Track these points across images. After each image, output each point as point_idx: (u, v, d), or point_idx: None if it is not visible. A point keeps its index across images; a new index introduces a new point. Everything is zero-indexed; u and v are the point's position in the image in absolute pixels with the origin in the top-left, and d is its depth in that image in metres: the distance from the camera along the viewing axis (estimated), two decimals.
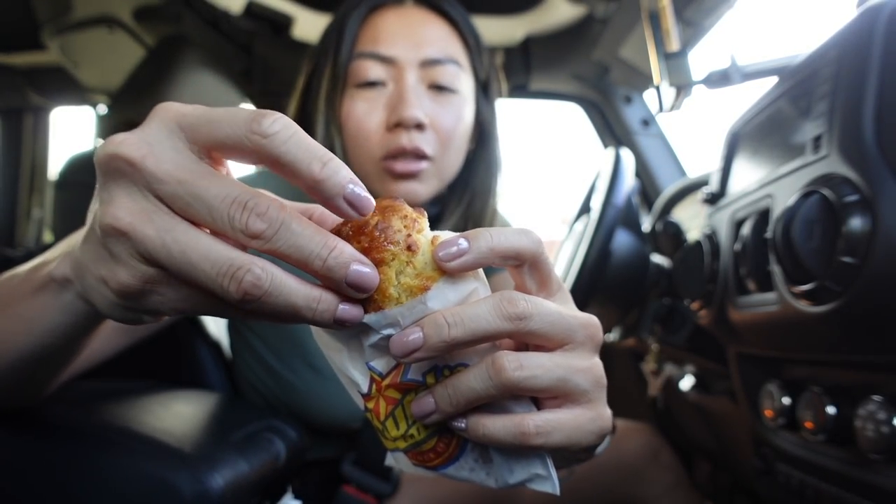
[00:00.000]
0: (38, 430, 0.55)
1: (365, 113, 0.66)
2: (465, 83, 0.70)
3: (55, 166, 1.94)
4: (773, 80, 0.66)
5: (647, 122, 1.51)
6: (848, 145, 0.47)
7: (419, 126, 0.65)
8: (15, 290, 0.39)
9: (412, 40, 0.67)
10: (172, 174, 0.26)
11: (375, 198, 0.28)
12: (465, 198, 0.76)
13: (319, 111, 0.69)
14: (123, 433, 0.54)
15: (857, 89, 0.47)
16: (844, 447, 0.51)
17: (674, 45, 0.79)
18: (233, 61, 1.47)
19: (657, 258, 0.96)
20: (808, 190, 0.48)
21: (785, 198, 0.53)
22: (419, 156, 0.66)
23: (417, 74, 0.67)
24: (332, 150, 0.63)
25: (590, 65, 1.44)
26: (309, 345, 0.74)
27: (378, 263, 0.27)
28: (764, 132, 0.65)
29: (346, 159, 0.67)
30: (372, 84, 0.67)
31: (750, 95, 0.70)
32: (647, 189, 1.48)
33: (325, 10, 1.40)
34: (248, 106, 1.65)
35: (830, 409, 0.50)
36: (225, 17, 1.36)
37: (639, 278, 0.91)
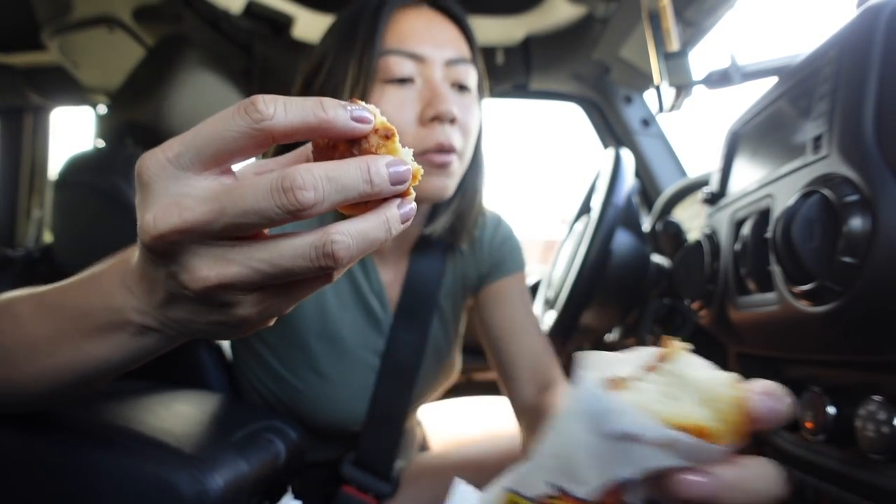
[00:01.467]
0: (38, 429, 0.55)
1: (398, 108, 0.67)
2: (474, 83, 0.74)
3: (55, 166, 1.94)
4: (774, 79, 0.66)
5: (648, 122, 1.51)
6: (848, 145, 0.47)
7: (453, 121, 0.67)
8: (67, 325, 0.39)
9: (436, 40, 0.69)
10: (209, 213, 0.28)
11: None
12: (457, 195, 0.78)
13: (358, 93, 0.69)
14: (123, 433, 0.54)
15: (858, 89, 0.47)
16: (845, 447, 0.51)
17: (674, 45, 0.79)
18: (233, 61, 1.47)
19: (657, 258, 0.96)
20: (809, 190, 0.48)
21: (785, 198, 0.53)
22: (452, 150, 0.68)
23: (443, 73, 0.69)
24: None
25: (590, 65, 1.44)
26: (314, 350, 0.74)
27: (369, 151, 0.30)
28: (764, 132, 0.65)
29: None
30: (402, 80, 0.68)
31: (750, 95, 0.70)
32: (648, 189, 1.48)
33: (325, 10, 1.40)
34: None
35: (831, 409, 0.50)
36: (225, 17, 1.36)
37: (639, 278, 0.91)
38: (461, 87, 0.71)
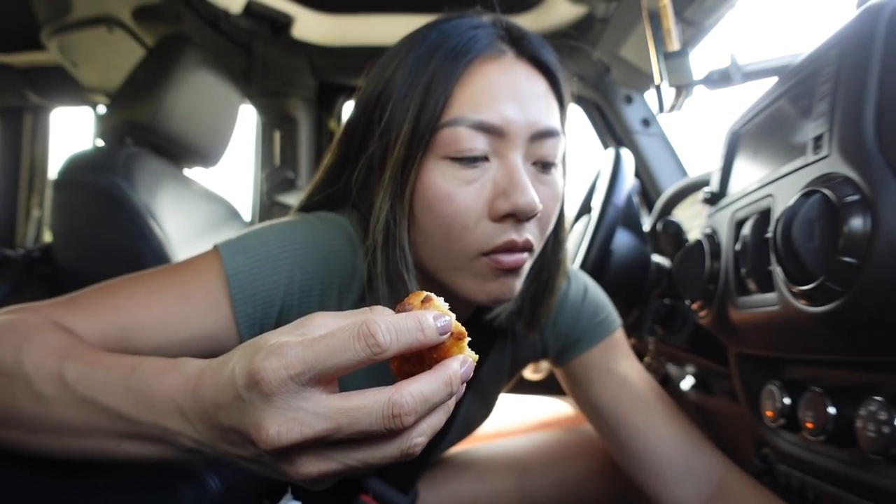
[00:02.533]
0: None
1: (462, 196, 0.53)
2: (562, 153, 0.59)
3: (55, 166, 1.93)
4: (774, 79, 0.66)
5: (648, 121, 1.51)
6: (848, 145, 0.47)
7: (532, 216, 0.54)
8: (104, 423, 0.40)
9: (521, 106, 0.54)
10: (327, 430, 0.31)
11: (401, 304, 0.35)
12: (529, 277, 0.63)
13: (386, 180, 0.55)
14: None
15: (858, 89, 0.47)
16: (845, 448, 0.51)
17: (674, 44, 0.79)
18: (232, 61, 1.47)
19: (657, 258, 0.96)
20: (809, 190, 0.48)
21: (786, 198, 0.52)
22: (526, 249, 0.55)
23: (525, 150, 0.54)
24: (396, 230, 0.54)
25: (590, 64, 1.44)
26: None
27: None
28: (764, 132, 0.65)
29: (429, 246, 0.56)
30: (472, 160, 0.53)
31: (750, 95, 0.70)
32: (648, 189, 1.48)
33: (324, 10, 1.40)
34: (247, 105, 1.65)
35: (831, 410, 0.50)
36: (224, 17, 1.36)
37: (639, 278, 0.91)
38: (545, 165, 0.56)
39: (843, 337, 0.48)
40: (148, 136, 1.00)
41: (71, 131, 2.04)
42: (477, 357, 0.35)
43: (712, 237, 0.70)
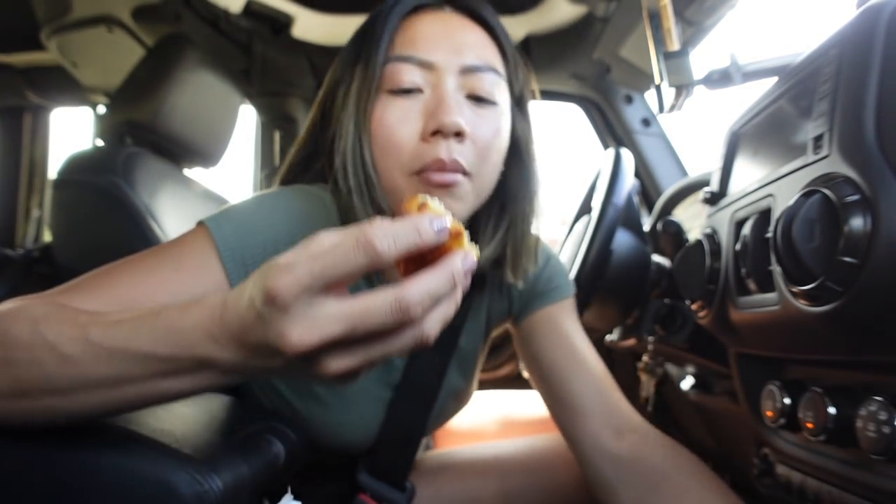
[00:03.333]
0: (37, 429, 0.55)
1: (399, 121, 0.61)
2: (502, 95, 0.66)
3: (55, 166, 1.93)
4: (774, 79, 0.66)
5: (649, 121, 1.51)
6: (849, 145, 0.47)
7: (459, 135, 0.60)
8: (138, 369, 0.42)
9: (452, 45, 0.62)
10: (344, 331, 0.35)
11: (401, 210, 0.38)
12: (503, 223, 0.69)
13: (348, 117, 0.63)
14: (123, 433, 0.54)
15: (859, 89, 0.47)
16: (846, 448, 0.51)
17: (674, 44, 0.79)
18: (232, 61, 1.47)
19: (657, 258, 0.96)
20: (809, 190, 0.48)
21: (786, 197, 0.52)
22: (457, 169, 0.60)
23: (457, 82, 0.62)
24: (361, 160, 0.62)
25: (590, 64, 1.44)
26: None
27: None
28: (765, 132, 0.65)
29: (376, 170, 0.63)
30: (408, 91, 0.61)
31: (750, 95, 0.70)
32: (648, 189, 1.48)
33: (324, 10, 1.40)
34: (247, 105, 1.65)
35: (831, 410, 0.50)
36: (224, 17, 1.36)
37: (640, 278, 0.91)
38: (479, 99, 0.63)
39: (844, 337, 0.48)
40: (148, 135, 1.00)
41: (71, 131, 2.04)
42: (478, 249, 0.38)
43: (712, 237, 0.70)
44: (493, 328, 0.83)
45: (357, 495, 0.73)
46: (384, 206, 0.62)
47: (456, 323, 0.73)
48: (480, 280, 0.73)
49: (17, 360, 0.44)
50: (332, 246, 0.35)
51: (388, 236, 0.34)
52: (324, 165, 0.69)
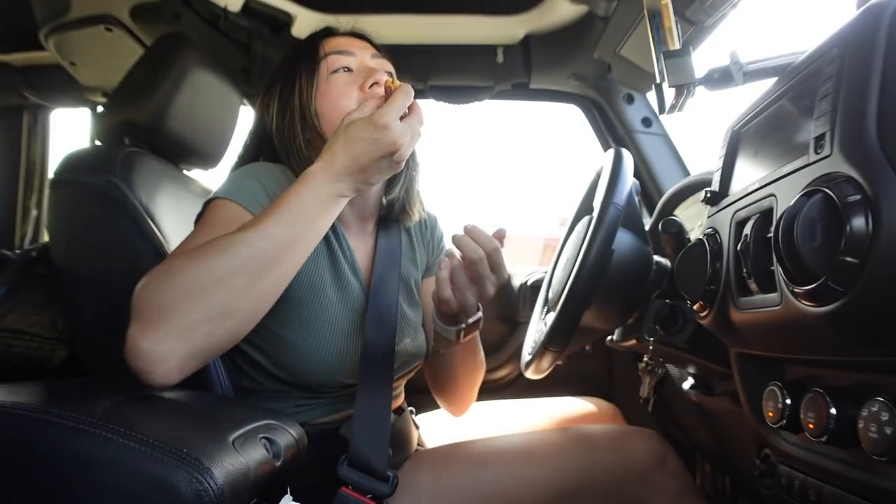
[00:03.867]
0: (37, 429, 0.55)
1: (344, 87, 0.88)
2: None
3: (55, 166, 1.93)
4: (775, 78, 0.65)
5: (650, 121, 1.50)
6: (850, 144, 0.47)
7: (386, 90, 0.85)
8: (304, 224, 0.70)
9: (360, 45, 0.93)
10: (409, 130, 0.74)
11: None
12: (403, 172, 0.94)
13: (308, 96, 0.89)
14: (122, 433, 0.54)
15: (860, 88, 0.47)
16: (847, 449, 0.51)
17: (675, 43, 0.79)
18: (231, 60, 1.47)
19: (658, 258, 0.95)
20: (811, 189, 0.48)
21: (787, 197, 0.52)
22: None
23: (371, 62, 0.91)
24: (311, 125, 0.89)
25: (591, 63, 1.44)
26: (302, 299, 0.82)
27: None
28: (766, 131, 0.65)
29: (331, 125, 0.87)
30: (346, 69, 0.89)
31: (752, 94, 0.70)
32: (650, 189, 1.48)
33: (324, 10, 1.39)
34: (247, 107, 1.64)
35: (833, 410, 0.50)
36: (223, 16, 1.36)
37: (641, 279, 0.91)
38: (389, 74, 0.92)
39: (845, 337, 0.48)
40: (146, 136, 1.00)
41: (71, 131, 2.04)
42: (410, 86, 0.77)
43: (713, 237, 0.70)
44: (421, 271, 1.04)
45: (339, 489, 0.73)
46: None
47: (393, 245, 0.95)
48: (398, 219, 0.98)
49: (216, 278, 0.63)
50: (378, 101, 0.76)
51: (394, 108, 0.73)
52: (269, 148, 0.91)
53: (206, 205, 0.80)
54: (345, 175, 0.71)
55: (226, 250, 0.65)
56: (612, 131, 1.56)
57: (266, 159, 0.91)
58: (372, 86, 0.86)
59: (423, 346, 0.98)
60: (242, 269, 0.65)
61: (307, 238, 0.70)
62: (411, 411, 1.03)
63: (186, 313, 0.61)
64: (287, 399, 0.84)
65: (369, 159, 0.71)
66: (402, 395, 1.01)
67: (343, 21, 1.01)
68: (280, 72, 0.94)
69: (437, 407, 1.11)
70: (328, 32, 0.95)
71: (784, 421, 0.57)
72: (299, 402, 0.85)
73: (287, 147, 0.88)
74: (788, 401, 0.56)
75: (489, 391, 1.54)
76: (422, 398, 1.17)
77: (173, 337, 0.61)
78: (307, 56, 0.91)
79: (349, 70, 0.90)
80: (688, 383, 0.99)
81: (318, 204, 0.70)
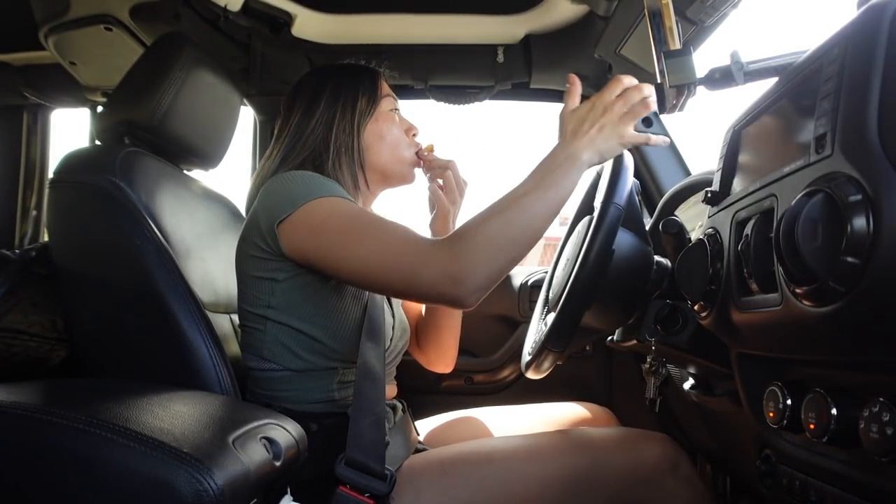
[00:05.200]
0: (38, 429, 0.55)
1: (396, 122, 1.05)
2: None
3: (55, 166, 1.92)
4: (776, 78, 0.65)
5: (650, 120, 1.50)
6: (852, 144, 0.47)
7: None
8: (556, 188, 0.80)
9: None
10: (624, 107, 0.84)
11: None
12: None
13: (348, 125, 1.01)
14: (122, 433, 0.54)
15: (861, 88, 0.47)
16: (848, 449, 0.50)
17: (676, 43, 0.79)
18: (231, 60, 1.47)
19: (659, 258, 0.95)
20: (812, 189, 0.48)
21: (788, 197, 0.52)
22: None
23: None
24: (359, 154, 1.03)
25: (591, 63, 1.44)
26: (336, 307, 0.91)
27: None
28: (767, 131, 0.65)
29: (367, 157, 1.03)
30: (396, 111, 1.07)
31: (753, 93, 0.70)
32: (650, 189, 1.47)
33: (324, 9, 1.39)
34: (247, 107, 1.64)
35: (834, 411, 0.50)
36: (223, 16, 1.36)
37: (641, 279, 0.90)
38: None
39: (846, 337, 0.48)
40: (146, 135, 0.99)
41: (71, 131, 2.03)
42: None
43: (714, 237, 0.70)
44: None
45: (337, 488, 0.74)
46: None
47: None
48: None
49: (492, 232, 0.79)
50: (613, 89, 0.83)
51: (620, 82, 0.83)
52: (305, 159, 0.99)
53: (301, 208, 0.85)
54: (597, 145, 0.83)
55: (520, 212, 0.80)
56: None
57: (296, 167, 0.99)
58: (415, 135, 1.09)
59: (407, 334, 1.08)
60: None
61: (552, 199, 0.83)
62: (404, 405, 1.04)
63: (504, 257, 0.79)
64: (332, 376, 0.90)
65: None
66: (395, 385, 1.05)
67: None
68: (328, 86, 1.03)
69: (437, 411, 1.11)
70: (380, 74, 1.10)
71: (785, 421, 0.57)
72: (344, 378, 0.91)
73: (323, 152, 0.99)
74: (789, 401, 0.56)
75: (489, 392, 1.54)
76: (422, 400, 1.17)
77: (492, 271, 0.78)
78: (369, 86, 1.04)
79: (398, 112, 1.09)
80: (688, 383, 0.99)
81: (573, 179, 0.83)
